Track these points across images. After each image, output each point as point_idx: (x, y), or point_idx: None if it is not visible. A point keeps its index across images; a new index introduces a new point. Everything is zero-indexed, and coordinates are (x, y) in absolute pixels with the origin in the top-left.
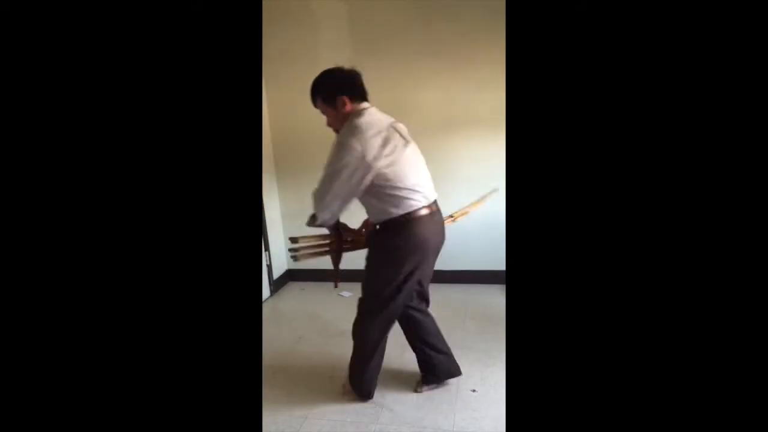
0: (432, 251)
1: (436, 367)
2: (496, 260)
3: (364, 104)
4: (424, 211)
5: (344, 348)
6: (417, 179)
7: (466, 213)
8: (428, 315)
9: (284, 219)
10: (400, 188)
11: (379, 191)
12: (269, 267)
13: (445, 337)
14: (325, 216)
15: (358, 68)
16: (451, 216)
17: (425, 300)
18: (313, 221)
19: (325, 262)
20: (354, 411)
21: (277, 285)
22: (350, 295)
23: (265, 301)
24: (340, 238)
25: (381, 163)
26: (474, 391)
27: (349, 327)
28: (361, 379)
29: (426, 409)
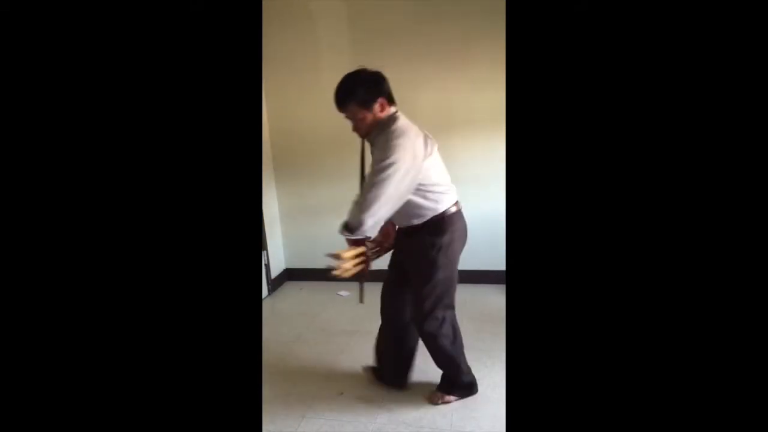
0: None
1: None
2: (495, 260)
3: (394, 107)
4: (458, 206)
5: (342, 347)
6: (448, 177)
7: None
8: None
9: (282, 218)
10: (441, 185)
11: (423, 190)
12: (267, 266)
13: None
14: (370, 223)
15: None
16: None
17: None
18: (352, 229)
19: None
20: (352, 410)
21: (275, 284)
22: (348, 294)
23: (263, 300)
24: (381, 245)
25: (427, 163)
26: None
27: (348, 327)
28: (461, 379)
29: (424, 409)
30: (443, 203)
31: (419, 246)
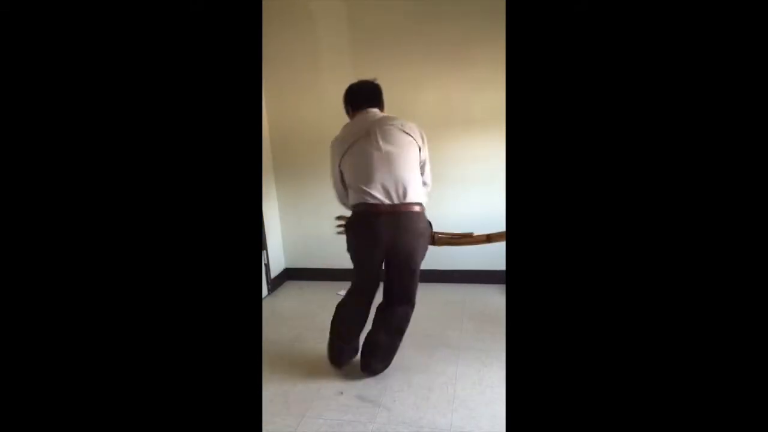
0: None
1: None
2: (494, 260)
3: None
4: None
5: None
6: (363, 177)
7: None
8: None
9: (282, 218)
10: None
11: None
12: (267, 266)
13: (443, 336)
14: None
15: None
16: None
17: None
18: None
19: (323, 262)
20: (351, 410)
21: (274, 284)
22: None
23: (262, 299)
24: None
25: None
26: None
27: None
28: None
29: (423, 409)
30: (350, 198)
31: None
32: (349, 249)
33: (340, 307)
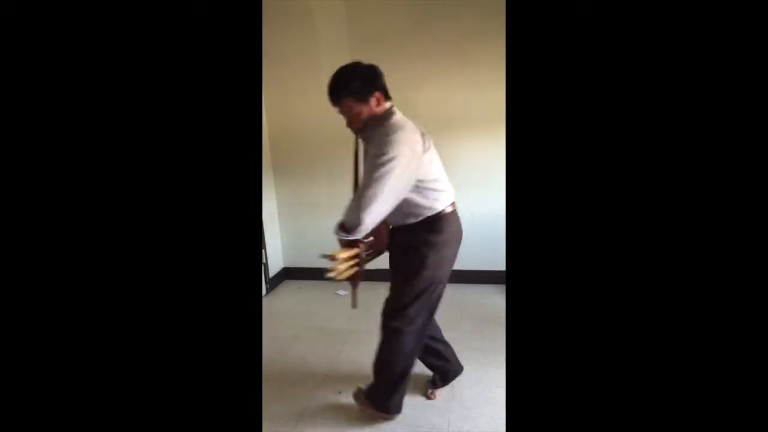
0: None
1: (447, 372)
2: (493, 260)
3: (390, 102)
4: (454, 206)
5: (340, 347)
6: (445, 175)
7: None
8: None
9: (281, 217)
10: (440, 181)
11: (422, 187)
12: (265, 265)
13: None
14: (368, 222)
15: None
16: None
17: None
18: (349, 229)
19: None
20: (350, 409)
21: (273, 283)
22: (346, 293)
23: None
24: (373, 247)
25: (425, 158)
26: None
27: (346, 326)
28: (395, 393)
29: (421, 408)
30: (441, 201)
31: (412, 241)
32: (427, 264)
33: (404, 337)
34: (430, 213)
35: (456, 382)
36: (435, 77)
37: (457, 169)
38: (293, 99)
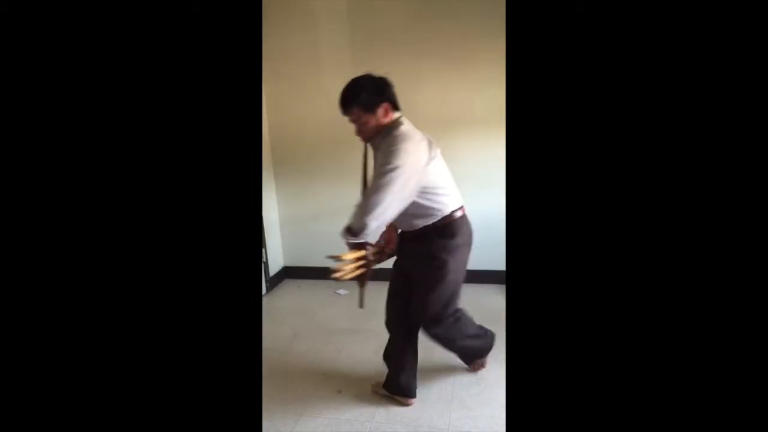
0: None
1: (481, 350)
2: (493, 260)
3: (398, 113)
4: (463, 210)
5: (340, 346)
6: (452, 181)
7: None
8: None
9: (281, 216)
10: (444, 188)
11: (427, 194)
12: (266, 264)
13: None
14: (373, 226)
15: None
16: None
17: None
18: (355, 233)
19: (323, 260)
20: (349, 409)
21: (273, 282)
22: (346, 293)
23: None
24: (383, 250)
25: (430, 167)
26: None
27: (346, 325)
28: (409, 381)
29: (421, 408)
30: (447, 206)
31: (428, 249)
32: (449, 268)
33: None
34: (436, 216)
35: (456, 382)
36: (435, 77)
37: (457, 168)
38: (294, 98)
